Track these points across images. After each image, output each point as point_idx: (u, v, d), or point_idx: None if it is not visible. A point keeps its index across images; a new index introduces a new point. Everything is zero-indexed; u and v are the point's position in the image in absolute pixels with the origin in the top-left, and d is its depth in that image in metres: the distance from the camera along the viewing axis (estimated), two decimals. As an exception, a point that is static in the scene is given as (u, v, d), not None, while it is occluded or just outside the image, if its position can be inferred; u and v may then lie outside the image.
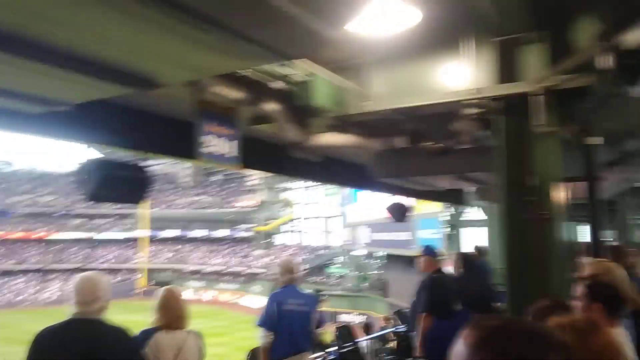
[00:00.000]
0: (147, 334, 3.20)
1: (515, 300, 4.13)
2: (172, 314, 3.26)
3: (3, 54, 2.32)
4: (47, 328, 2.72)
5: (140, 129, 4.66)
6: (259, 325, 4.60)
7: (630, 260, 5.25)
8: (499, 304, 5.72)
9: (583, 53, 3.58)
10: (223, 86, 3.92)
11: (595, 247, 4.76)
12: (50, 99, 3.05)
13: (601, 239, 4.92)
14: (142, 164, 4.47)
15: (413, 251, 20.62)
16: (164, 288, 3.47)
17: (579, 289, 2.44)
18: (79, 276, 2.88)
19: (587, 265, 3.13)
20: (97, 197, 4.19)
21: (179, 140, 4.76)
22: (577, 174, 4.55)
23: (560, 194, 4.14)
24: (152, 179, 4.49)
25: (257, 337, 4.62)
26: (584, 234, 5.28)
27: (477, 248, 8.58)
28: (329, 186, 37.46)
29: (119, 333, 2.85)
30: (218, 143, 4.15)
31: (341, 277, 38.52)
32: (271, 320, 4.53)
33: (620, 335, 2.21)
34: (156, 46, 2.31)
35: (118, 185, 4.14)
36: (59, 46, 2.35)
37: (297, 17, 2.12)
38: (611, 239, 8.84)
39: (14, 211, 50.43)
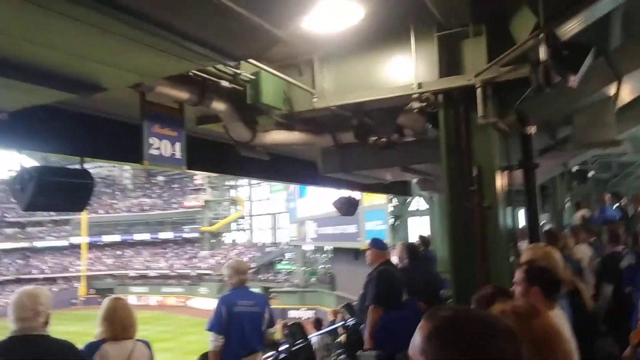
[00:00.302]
0: (92, 347, 3.09)
1: (460, 287, 4.27)
2: (117, 325, 3.17)
3: None
4: None
5: (81, 133, 4.48)
6: (208, 329, 4.54)
7: (563, 242, 5.60)
8: (444, 291, 5.90)
9: (521, 46, 3.72)
10: (168, 86, 3.83)
11: (532, 232, 5.02)
12: (-19, 106, 2.86)
13: (537, 224, 5.20)
14: (82, 168, 4.29)
15: (359, 244, 20.97)
16: (108, 298, 3.36)
17: (518, 274, 2.56)
18: (17, 292, 2.77)
19: (525, 250, 3.31)
20: (33, 206, 3.98)
21: (122, 144, 4.62)
22: (514, 162, 4.77)
23: (500, 182, 4.33)
24: (94, 184, 4.32)
25: (207, 341, 4.57)
26: (521, 218, 5.54)
27: (421, 237, 8.81)
28: (274, 183, 37.30)
29: (64, 348, 2.77)
30: (162, 145, 4.05)
31: (289, 273, 38.52)
32: (221, 323, 4.48)
33: (558, 316, 2.34)
34: (98, 50, 2.23)
35: (56, 193, 3.96)
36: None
37: (245, 18, 2.11)
38: (545, 223, 9.32)
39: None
